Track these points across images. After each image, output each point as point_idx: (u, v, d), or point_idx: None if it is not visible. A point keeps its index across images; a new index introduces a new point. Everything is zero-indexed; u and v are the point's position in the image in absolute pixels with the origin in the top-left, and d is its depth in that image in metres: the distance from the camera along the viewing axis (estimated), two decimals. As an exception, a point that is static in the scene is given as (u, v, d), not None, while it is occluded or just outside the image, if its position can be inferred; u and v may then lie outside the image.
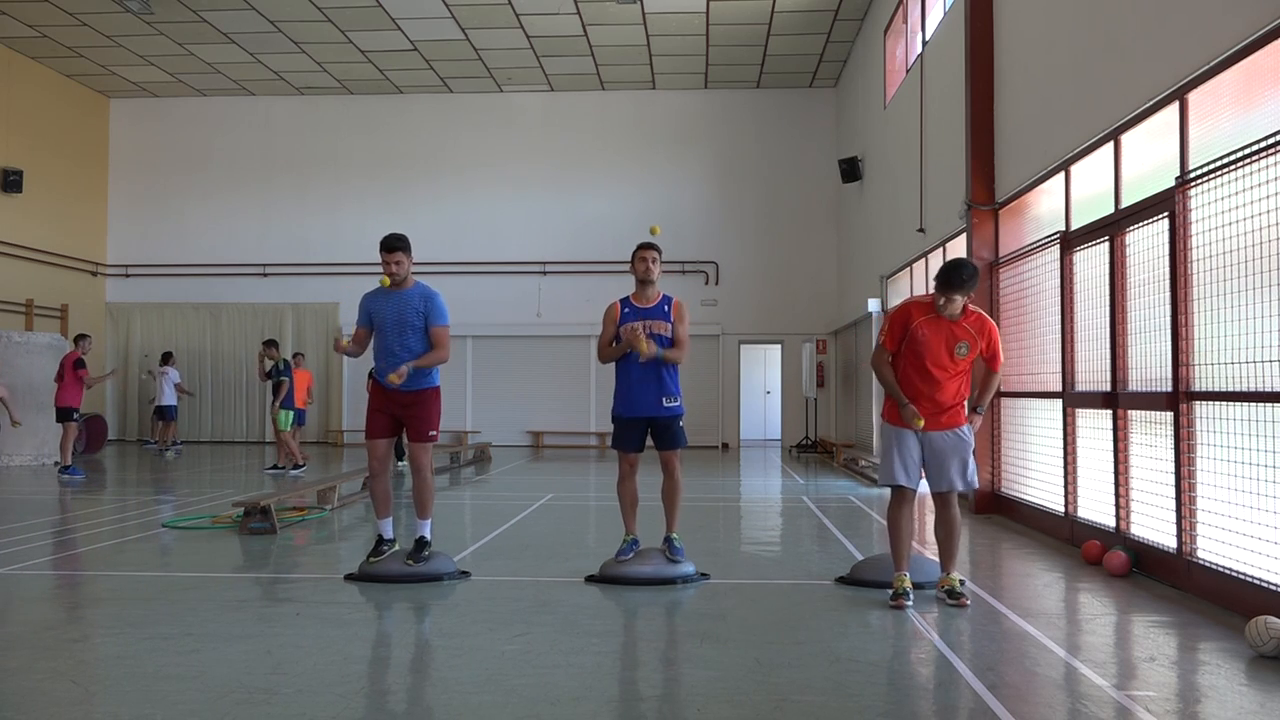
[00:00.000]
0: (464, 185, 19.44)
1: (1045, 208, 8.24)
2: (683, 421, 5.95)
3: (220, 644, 4.36)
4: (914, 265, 12.42)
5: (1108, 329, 6.53)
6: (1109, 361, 6.51)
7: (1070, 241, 7.31)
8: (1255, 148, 4.73)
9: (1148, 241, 6.01)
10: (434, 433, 5.96)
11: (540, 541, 7.36)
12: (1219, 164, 5.04)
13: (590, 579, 5.81)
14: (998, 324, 8.75)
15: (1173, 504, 5.54)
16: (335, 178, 19.64)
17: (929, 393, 5.23)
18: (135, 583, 5.78)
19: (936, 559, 5.56)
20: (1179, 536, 5.48)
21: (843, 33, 16.31)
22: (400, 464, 12.61)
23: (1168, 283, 5.61)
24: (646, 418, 5.85)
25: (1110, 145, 6.69)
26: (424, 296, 5.88)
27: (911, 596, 5.18)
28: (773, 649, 4.31)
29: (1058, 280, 7.50)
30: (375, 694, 3.81)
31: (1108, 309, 6.54)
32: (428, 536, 5.95)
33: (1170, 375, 5.56)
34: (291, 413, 13.23)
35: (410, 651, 4.52)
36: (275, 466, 13.16)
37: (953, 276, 5.05)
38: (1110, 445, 6.49)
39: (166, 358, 16.90)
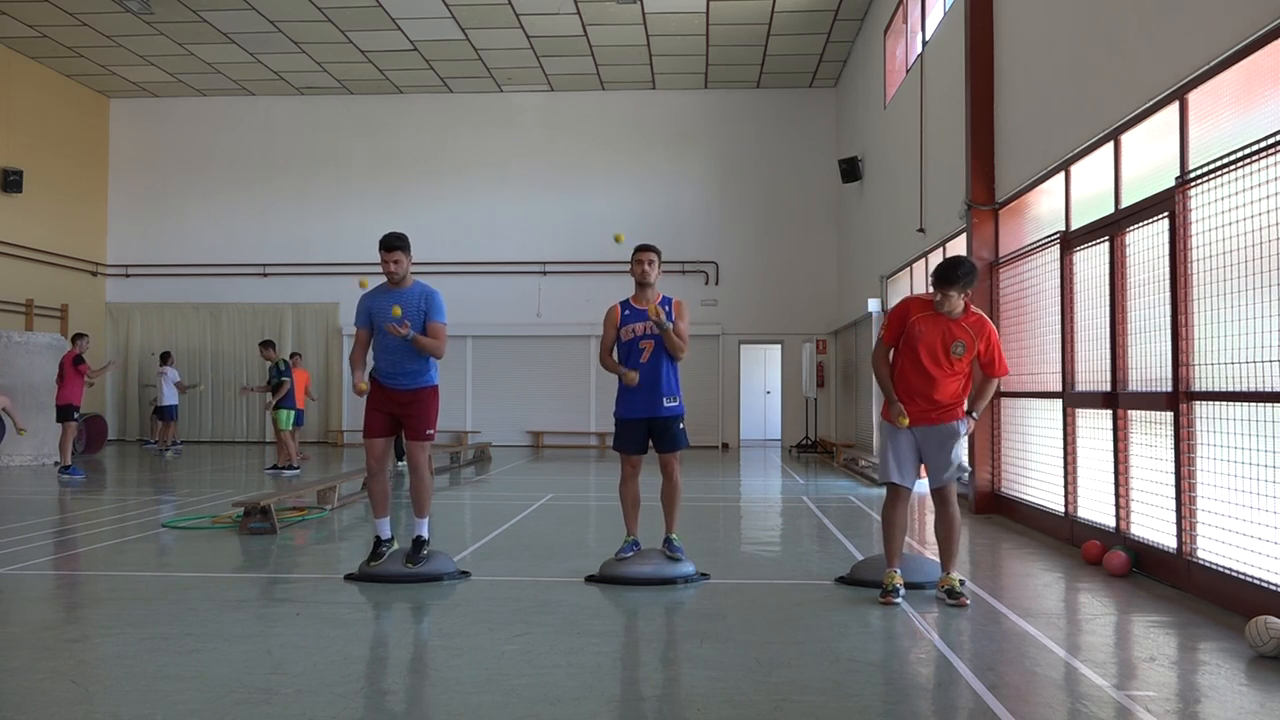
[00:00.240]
0: (464, 185, 19.44)
1: (1045, 208, 8.24)
2: (683, 423, 5.96)
3: (220, 644, 4.36)
4: (914, 265, 12.42)
5: (1108, 329, 6.53)
6: (1109, 361, 6.51)
7: (1070, 241, 7.31)
8: (1255, 148, 4.73)
9: (1148, 241, 6.01)
10: (431, 431, 5.98)
11: (540, 541, 7.36)
12: (1219, 164, 5.04)
13: (590, 579, 5.81)
14: (998, 324, 8.78)
15: (1173, 504, 5.54)
16: (335, 178, 19.64)
17: (925, 391, 5.23)
18: (135, 583, 5.78)
19: (937, 559, 5.56)
20: (1179, 536, 5.47)
21: (843, 33, 16.32)
22: (400, 464, 12.61)
23: (1168, 283, 5.61)
24: (647, 418, 5.85)
25: (1110, 145, 6.68)
26: (424, 295, 5.89)
27: (902, 593, 5.19)
28: (773, 649, 4.31)
29: (1058, 280, 7.50)
30: (375, 694, 3.81)
31: (1108, 309, 6.54)
32: (425, 536, 5.96)
33: (1170, 375, 5.56)
34: (292, 412, 13.27)
35: (410, 651, 4.52)
36: (275, 466, 13.17)
37: (949, 273, 5.07)
38: (1110, 445, 6.49)
39: (165, 358, 16.91)
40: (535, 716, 3.45)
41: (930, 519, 6.88)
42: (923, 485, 5.53)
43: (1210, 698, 3.70)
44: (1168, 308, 5.61)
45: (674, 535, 5.91)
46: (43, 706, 3.54)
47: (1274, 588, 4.58)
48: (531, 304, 19.27)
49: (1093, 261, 6.88)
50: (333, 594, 5.48)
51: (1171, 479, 5.55)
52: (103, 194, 19.83)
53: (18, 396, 13.37)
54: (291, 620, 4.84)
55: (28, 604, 5.30)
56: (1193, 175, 5.37)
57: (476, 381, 19.21)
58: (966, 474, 5.48)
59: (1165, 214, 5.68)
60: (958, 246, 9.94)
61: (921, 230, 11.68)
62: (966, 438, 5.41)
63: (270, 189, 19.76)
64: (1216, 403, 5.17)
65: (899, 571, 5.29)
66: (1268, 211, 4.66)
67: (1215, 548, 5.17)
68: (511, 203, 19.37)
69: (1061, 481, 7.37)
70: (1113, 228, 6.49)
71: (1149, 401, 5.97)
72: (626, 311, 5.90)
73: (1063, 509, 7.32)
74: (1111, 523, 6.46)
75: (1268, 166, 4.68)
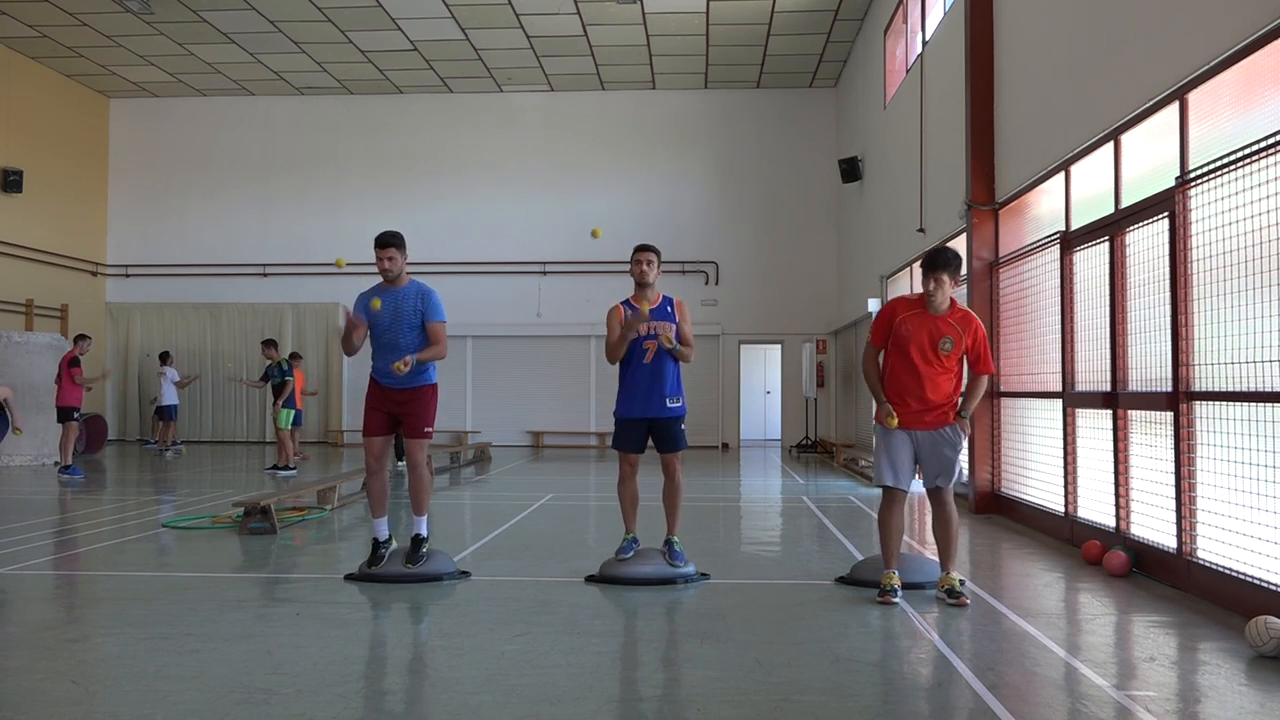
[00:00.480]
0: (464, 185, 19.44)
1: (1045, 208, 8.24)
2: (684, 424, 5.95)
3: (220, 644, 4.36)
4: (914, 265, 12.41)
5: (1108, 329, 6.53)
6: (1109, 361, 6.51)
7: (1070, 241, 7.31)
8: (1255, 148, 4.73)
9: (1148, 241, 6.01)
10: (430, 429, 5.98)
11: (540, 541, 7.36)
12: (1219, 164, 5.05)
13: (590, 579, 5.81)
14: (998, 324, 8.79)
15: (1173, 504, 5.54)
16: (335, 178, 19.64)
17: (917, 390, 5.25)
18: (135, 583, 5.78)
19: (936, 559, 5.57)
20: (1179, 536, 5.48)
21: (843, 33, 16.32)
22: (401, 464, 12.61)
23: (1168, 283, 5.61)
24: (648, 418, 5.85)
25: (1110, 145, 6.69)
26: (420, 294, 5.88)
27: (899, 593, 5.21)
28: (773, 649, 4.31)
29: (1058, 280, 7.50)
30: (375, 694, 3.81)
31: (1108, 309, 6.54)
32: (424, 534, 5.96)
33: (1170, 375, 5.56)
34: (292, 412, 13.28)
35: (410, 652, 4.51)
36: (274, 466, 13.17)
37: (937, 258, 5.20)
38: (1110, 445, 6.49)
39: (165, 357, 16.90)
40: (535, 716, 3.45)
41: (929, 519, 6.88)
42: (919, 484, 5.52)
43: (1210, 698, 3.70)
44: (1168, 308, 5.61)
45: (675, 538, 5.91)
46: (43, 706, 3.54)
47: (1274, 588, 4.58)
48: (531, 304, 19.27)
49: (1093, 261, 6.89)
50: (333, 594, 5.48)
51: (1171, 479, 5.55)
52: (103, 194, 19.83)
53: (18, 397, 13.34)
54: (291, 620, 4.84)
55: (28, 604, 5.30)
56: (1193, 175, 5.37)
57: (476, 381, 19.21)
58: (958, 481, 5.50)
59: (1165, 214, 5.68)
60: (958, 246, 9.89)
61: (921, 230, 11.68)
62: (960, 447, 5.41)
63: (270, 189, 19.76)
64: (1216, 403, 5.17)
65: (897, 573, 5.31)
66: (1268, 211, 4.66)
67: (1215, 548, 5.17)
68: (511, 203, 19.37)
69: (1061, 481, 7.37)
70: (1113, 228, 6.49)
71: (1149, 401, 5.97)
72: (630, 312, 5.89)
73: (1063, 509, 7.32)
74: (1111, 523, 6.46)
75: (1268, 166, 4.68)
